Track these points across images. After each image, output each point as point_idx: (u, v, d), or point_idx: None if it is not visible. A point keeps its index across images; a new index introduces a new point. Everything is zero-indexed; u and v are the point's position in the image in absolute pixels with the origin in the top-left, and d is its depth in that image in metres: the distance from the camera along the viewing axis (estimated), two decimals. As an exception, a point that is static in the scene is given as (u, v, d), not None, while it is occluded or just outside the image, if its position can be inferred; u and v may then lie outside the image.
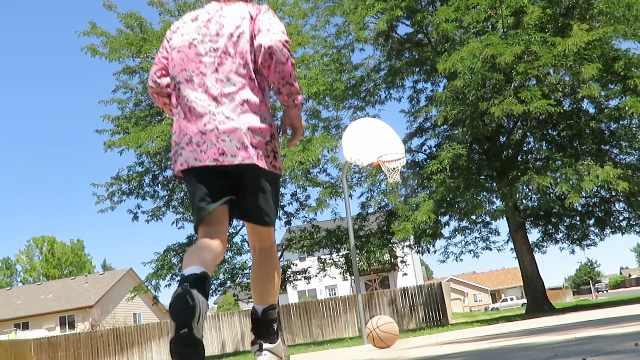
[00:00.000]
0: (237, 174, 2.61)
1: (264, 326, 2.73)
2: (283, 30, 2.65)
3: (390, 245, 17.78)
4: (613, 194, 16.36)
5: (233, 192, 2.64)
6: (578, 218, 17.75)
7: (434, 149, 17.52)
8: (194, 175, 2.65)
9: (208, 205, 2.59)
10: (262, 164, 2.59)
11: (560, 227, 18.19)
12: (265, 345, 2.70)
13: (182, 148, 2.70)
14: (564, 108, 15.54)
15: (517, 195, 15.22)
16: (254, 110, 2.63)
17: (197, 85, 2.66)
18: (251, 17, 2.70)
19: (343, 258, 17.93)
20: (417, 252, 18.51)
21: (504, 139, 16.90)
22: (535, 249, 18.07)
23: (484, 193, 15.61)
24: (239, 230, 17.70)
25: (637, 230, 17.36)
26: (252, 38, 2.67)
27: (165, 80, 2.85)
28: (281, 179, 3.22)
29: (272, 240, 2.82)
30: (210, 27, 2.73)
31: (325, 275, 18.20)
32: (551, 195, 15.41)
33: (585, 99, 15.12)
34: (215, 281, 16.88)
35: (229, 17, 2.72)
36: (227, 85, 2.63)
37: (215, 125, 2.59)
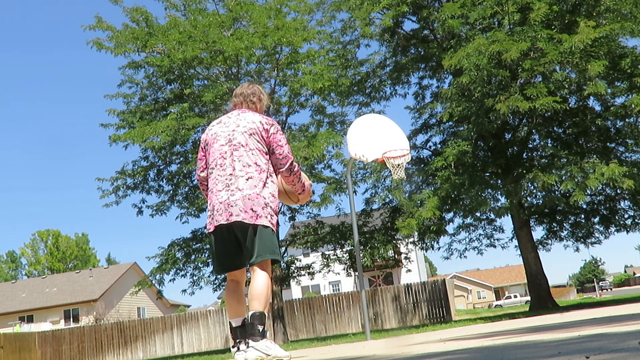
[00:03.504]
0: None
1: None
2: (288, 149, 4.00)
3: (394, 241, 17.77)
4: (618, 192, 16.30)
5: None
6: (583, 216, 17.70)
7: (439, 146, 17.49)
8: None
9: None
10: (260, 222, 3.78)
11: (564, 224, 18.15)
12: (252, 343, 3.53)
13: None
14: (570, 105, 15.48)
15: (522, 193, 15.19)
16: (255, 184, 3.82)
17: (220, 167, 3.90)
18: (262, 126, 3.93)
19: (347, 254, 17.93)
20: (421, 249, 18.49)
21: (509, 136, 16.86)
22: (540, 246, 18.04)
23: (489, 190, 15.59)
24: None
25: (643, 229, 17.30)
26: (263, 139, 3.90)
27: (204, 174, 4.07)
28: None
29: None
30: (230, 125, 3.98)
31: (329, 271, 18.20)
32: (556, 192, 15.37)
33: (591, 97, 15.06)
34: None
35: (244, 120, 3.96)
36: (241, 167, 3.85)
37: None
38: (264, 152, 3.90)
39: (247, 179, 3.78)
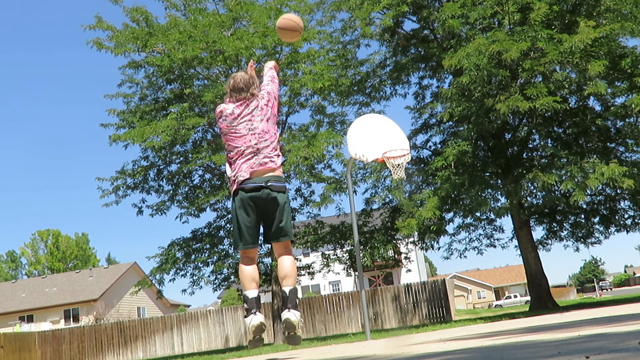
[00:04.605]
0: None
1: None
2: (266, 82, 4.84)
3: (394, 241, 17.76)
4: (618, 192, 16.30)
5: None
6: (583, 216, 17.69)
7: (439, 146, 17.48)
8: None
9: None
10: None
11: (564, 224, 18.14)
12: (292, 310, 4.22)
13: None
14: (570, 105, 15.48)
15: (522, 193, 15.18)
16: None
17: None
18: (265, 103, 4.63)
19: (347, 254, 17.93)
20: (421, 249, 18.48)
21: (509, 136, 16.85)
22: (540, 246, 18.03)
23: (489, 190, 15.57)
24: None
25: (643, 229, 17.29)
26: (272, 107, 4.67)
27: None
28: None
29: None
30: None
31: (329, 271, 18.19)
32: (556, 192, 15.36)
33: (591, 96, 15.05)
34: (219, 276, 16.91)
35: (255, 110, 4.60)
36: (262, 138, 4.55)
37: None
38: (275, 117, 4.71)
39: (271, 159, 4.56)
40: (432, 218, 14.39)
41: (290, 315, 4.21)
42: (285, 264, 4.41)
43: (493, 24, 14.93)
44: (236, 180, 4.43)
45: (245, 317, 4.28)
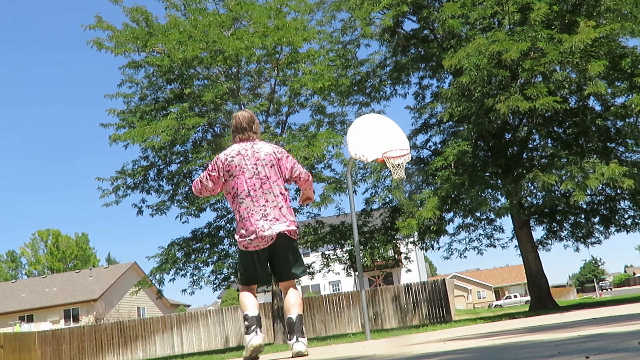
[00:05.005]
0: None
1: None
2: (300, 166, 4.67)
3: (394, 241, 17.76)
4: (618, 192, 16.30)
5: None
6: (583, 216, 17.69)
7: (439, 146, 17.48)
8: None
9: None
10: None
11: (564, 224, 18.13)
12: (300, 339, 4.32)
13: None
14: (570, 105, 15.47)
15: (522, 193, 15.18)
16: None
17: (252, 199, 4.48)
18: (276, 156, 4.57)
19: (347, 254, 17.93)
20: (421, 249, 18.47)
21: (510, 136, 16.85)
22: (540, 246, 18.03)
23: (489, 190, 15.57)
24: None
25: (643, 229, 17.28)
26: (279, 167, 4.56)
27: (211, 185, 4.65)
28: None
29: None
30: (250, 158, 4.53)
31: (329, 271, 18.20)
32: (556, 192, 15.36)
33: (591, 96, 15.04)
34: (219, 276, 16.91)
35: (261, 152, 4.56)
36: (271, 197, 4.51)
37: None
38: (281, 178, 4.59)
39: (280, 209, 4.49)
40: (432, 218, 14.39)
41: (301, 347, 4.32)
42: (292, 296, 4.54)
43: (493, 24, 14.93)
44: (244, 240, 4.48)
45: (246, 333, 4.32)
